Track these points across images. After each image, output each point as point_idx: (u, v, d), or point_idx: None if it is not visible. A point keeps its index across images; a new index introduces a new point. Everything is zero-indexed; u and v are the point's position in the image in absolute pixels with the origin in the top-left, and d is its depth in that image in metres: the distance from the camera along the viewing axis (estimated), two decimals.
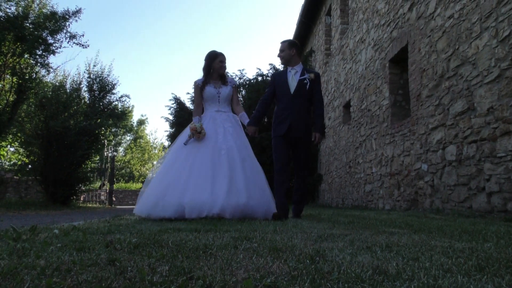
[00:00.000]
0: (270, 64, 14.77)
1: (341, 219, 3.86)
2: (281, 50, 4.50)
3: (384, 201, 7.72)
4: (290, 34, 25.37)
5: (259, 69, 15.40)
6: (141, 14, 67.28)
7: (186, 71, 69.06)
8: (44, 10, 12.42)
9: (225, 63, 4.72)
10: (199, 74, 4.99)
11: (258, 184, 4.26)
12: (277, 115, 4.39)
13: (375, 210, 7.19)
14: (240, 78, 15.15)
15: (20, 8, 11.87)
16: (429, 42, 5.93)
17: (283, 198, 4.21)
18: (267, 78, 14.88)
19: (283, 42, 4.51)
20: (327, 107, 13.14)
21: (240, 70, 15.49)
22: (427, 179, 5.88)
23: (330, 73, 12.93)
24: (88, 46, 13.27)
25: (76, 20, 12.60)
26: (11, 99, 12.41)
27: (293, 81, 4.35)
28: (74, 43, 12.88)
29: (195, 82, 4.73)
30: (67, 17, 12.34)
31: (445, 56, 5.42)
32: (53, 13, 12.16)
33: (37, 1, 12.41)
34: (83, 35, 12.96)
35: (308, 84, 4.31)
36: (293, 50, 4.45)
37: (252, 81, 14.77)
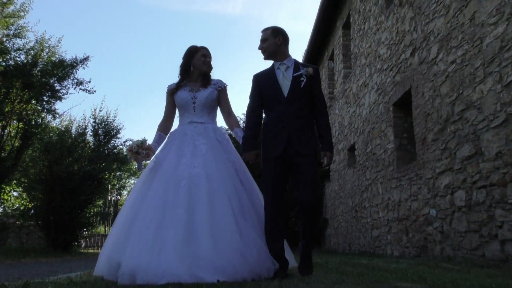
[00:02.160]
0: None
1: (349, 269, 3.71)
2: (263, 40, 3.36)
3: (392, 247, 7.51)
4: None
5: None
6: (147, 59, 68.90)
7: None
8: (52, 58, 12.68)
9: (209, 58, 3.64)
10: None
11: (243, 232, 2.91)
12: (268, 129, 3.21)
13: (384, 257, 6.97)
14: (244, 122, 15.19)
15: (29, 57, 12.13)
16: (432, 86, 5.94)
17: (278, 256, 3.04)
18: None
19: (265, 30, 3.40)
20: None
21: (244, 114, 15.51)
22: (436, 225, 5.72)
23: (334, 116, 12.97)
24: (95, 91, 13.48)
25: (84, 68, 12.85)
26: (16, 144, 12.47)
27: (285, 80, 3.24)
28: (80, 89, 13.08)
29: (168, 87, 3.66)
30: (75, 64, 12.60)
31: (449, 100, 5.40)
32: (62, 61, 12.41)
33: (47, 50, 12.70)
34: (89, 82, 13.18)
35: (305, 81, 3.22)
36: (280, 39, 3.34)
37: None
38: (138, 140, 3.32)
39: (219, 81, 3.61)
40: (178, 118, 3.61)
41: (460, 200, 5.11)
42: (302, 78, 3.22)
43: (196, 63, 3.56)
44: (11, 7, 12.49)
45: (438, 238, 5.68)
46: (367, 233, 9.19)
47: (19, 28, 12.33)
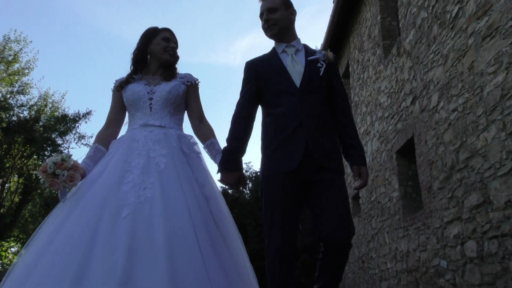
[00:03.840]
0: None
1: None
2: (271, 10, 2.48)
3: None
4: None
5: None
6: None
7: None
8: (55, 113, 12.86)
9: (174, 43, 2.73)
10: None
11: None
12: (272, 132, 2.34)
13: None
14: (246, 171, 15.15)
15: (32, 112, 12.29)
16: (435, 134, 5.91)
17: None
18: None
19: None
20: None
21: (246, 163, 15.53)
22: (448, 277, 5.51)
23: None
24: None
25: (86, 122, 12.99)
26: (16, 200, 12.35)
27: (296, 65, 2.41)
28: (82, 143, 13.17)
29: (115, 82, 2.74)
30: (77, 119, 12.75)
31: (453, 148, 5.35)
32: (64, 116, 12.60)
33: (50, 105, 12.88)
34: (91, 136, 13.28)
35: (324, 68, 2.41)
36: (292, 12, 2.56)
37: (258, 173, 14.73)
38: (56, 156, 2.22)
39: (189, 75, 2.70)
40: (127, 124, 2.65)
41: (471, 251, 4.94)
42: (319, 64, 2.43)
43: (155, 50, 2.66)
44: (16, 65, 12.77)
45: None
46: (375, 285, 8.87)
47: (23, 85, 12.60)
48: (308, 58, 2.45)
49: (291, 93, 2.34)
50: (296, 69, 2.41)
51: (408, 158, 7.51)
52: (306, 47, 2.56)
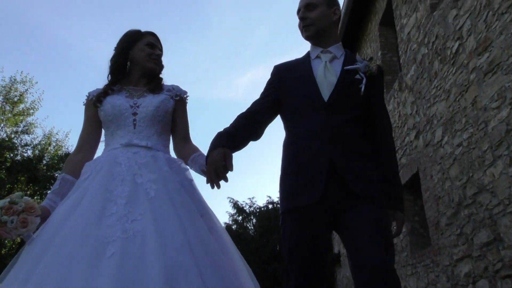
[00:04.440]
0: None
1: None
2: (310, 5, 2.08)
3: None
4: None
5: (269, 197, 15.32)
6: None
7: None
8: (59, 152, 12.89)
9: (159, 49, 2.34)
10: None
11: None
12: (293, 154, 1.97)
13: None
14: (250, 206, 15.03)
15: (36, 151, 12.33)
16: (440, 169, 5.84)
17: None
18: (278, 205, 14.71)
19: None
20: None
21: (250, 198, 15.41)
22: None
23: None
24: None
25: None
26: (18, 240, 12.22)
27: (329, 75, 2.01)
28: None
29: (87, 95, 2.29)
30: None
31: (460, 183, 5.28)
32: (68, 155, 12.60)
33: (54, 144, 12.94)
34: None
35: (364, 84, 1.97)
36: (335, 11, 2.12)
37: (262, 208, 14.62)
38: (4, 200, 1.83)
39: (177, 87, 2.32)
40: (104, 144, 2.21)
41: None
42: (358, 76, 1.98)
43: (137, 57, 2.26)
44: (21, 106, 12.93)
45: None
46: None
47: (28, 124, 12.72)
48: (345, 68, 2.01)
49: (316, 109, 1.93)
50: (327, 79, 1.98)
51: (414, 193, 7.42)
52: (347, 54, 2.11)
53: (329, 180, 1.83)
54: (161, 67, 2.34)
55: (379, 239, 1.72)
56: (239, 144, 2.02)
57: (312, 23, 2.08)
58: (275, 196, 16.03)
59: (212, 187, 1.77)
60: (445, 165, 5.70)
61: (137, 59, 2.27)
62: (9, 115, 11.73)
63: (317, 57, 2.10)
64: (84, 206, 1.80)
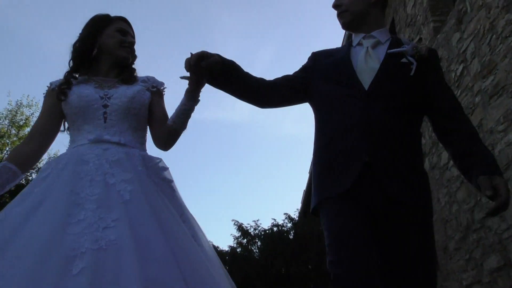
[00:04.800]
0: (285, 214, 14.60)
1: None
2: None
3: None
4: (302, 185, 25.39)
5: (274, 219, 15.17)
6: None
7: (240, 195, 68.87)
8: None
9: (131, 36, 2.06)
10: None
11: None
12: (325, 145, 1.79)
13: None
14: (255, 229, 14.87)
15: None
16: (447, 192, 5.78)
17: None
18: (283, 228, 14.58)
19: None
20: None
21: (255, 221, 15.28)
22: None
23: None
24: None
25: None
26: None
27: (371, 61, 1.81)
28: None
29: (49, 85, 1.99)
30: None
31: (468, 207, 5.20)
32: None
33: None
34: None
35: (414, 68, 1.74)
36: None
37: (267, 231, 14.46)
38: None
39: (152, 78, 2.04)
40: (70, 140, 1.91)
41: None
42: (404, 60, 1.76)
43: (107, 44, 1.96)
44: (27, 129, 13.01)
45: None
46: None
47: None
48: (389, 51, 1.78)
49: (354, 97, 1.72)
50: (369, 65, 1.76)
51: None
52: (394, 39, 1.87)
53: (362, 177, 1.63)
54: (134, 56, 2.07)
55: (419, 259, 1.58)
56: (233, 73, 1.84)
57: (346, 9, 1.88)
58: (280, 218, 15.86)
59: (188, 61, 1.69)
60: (452, 188, 5.63)
61: (106, 47, 1.97)
62: (15, 138, 11.79)
63: (359, 44, 1.89)
64: (44, 211, 1.50)
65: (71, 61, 1.99)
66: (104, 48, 1.98)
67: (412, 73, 1.72)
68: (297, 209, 15.51)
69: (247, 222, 15.74)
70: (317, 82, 1.88)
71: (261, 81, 1.89)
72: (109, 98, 1.85)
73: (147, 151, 1.96)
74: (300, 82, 1.92)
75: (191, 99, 1.85)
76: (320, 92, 1.86)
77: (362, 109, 1.70)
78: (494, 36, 4.46)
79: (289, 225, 14.34)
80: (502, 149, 4.42)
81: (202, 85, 1.84)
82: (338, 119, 1.75)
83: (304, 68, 1.97)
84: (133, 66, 2.09)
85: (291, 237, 13.84)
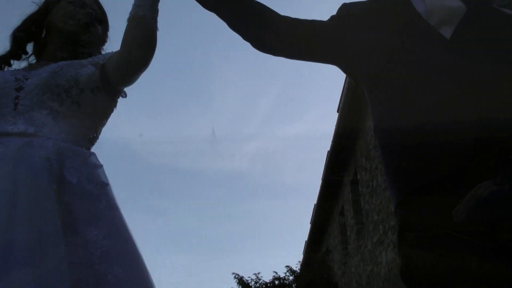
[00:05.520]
0: (286, 267, 14.30)
1: None
2: None
3: None
4: (304, 235, 24.94)
5: (276, 272, 14.83)
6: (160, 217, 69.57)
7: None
8: None
9: (91, 8, 1.49)
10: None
11: None
12: (401, 111, 1.04)
13: None
14: (256, 282, 14.51)
15: None
16: None
17: None
18: (284, 281, 14.22)
19: None
20: None
21: (255, 274, 14.92)
22: None
23: (350, 274, 12.35)
24: None
25: None
26: None
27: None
28: None
29: None
30: None
31: None
32: None
33: None
34: None
35: None
36: None
37: (269, 284, 14.12)
38: None
39: (108, 53, 1.45)
40: None
41: None
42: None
43: (53, 19, 1.50)
44: None
45: None
46: None
47: None
48: None
49: (431, 51, 1.06)
50: (445, 3, 1.09)
51: None
52: None
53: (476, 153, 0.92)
54: (92, 33, 1.52)
55: None
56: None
57: None
58: (282, 271, 15.52)
59: None
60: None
61: (53, 22, 1.50)
62: None
63: None
64: None
65: (11, 44, 1.54)
66: (51, 25, 1.51)
67: None
68: (299, 261, 15.18)
69: (248, 276, 15.37)
70: (359, 36, 1.25)
71: (274, 13, 1.29)
72: (26, 79, 1.34)
73: (88, 152, 1.37)
74: (315, 27, 1.32)
75: None
76: (368, 47, 1.24)
77: (450, 59, 1.07)
78: None
79: (291, 277, 14.00)
80: None
81: None
82: (413, 73, 1.11)
83: (328, 19, 1.34)
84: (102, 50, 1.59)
85: None
